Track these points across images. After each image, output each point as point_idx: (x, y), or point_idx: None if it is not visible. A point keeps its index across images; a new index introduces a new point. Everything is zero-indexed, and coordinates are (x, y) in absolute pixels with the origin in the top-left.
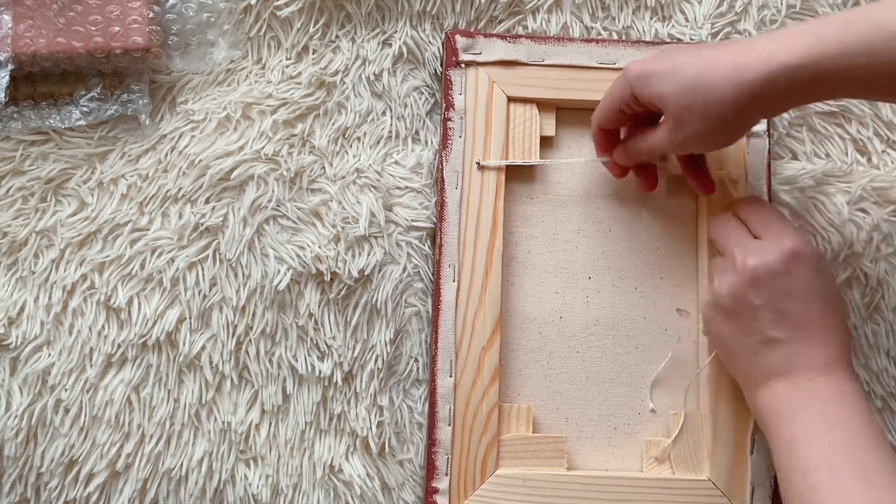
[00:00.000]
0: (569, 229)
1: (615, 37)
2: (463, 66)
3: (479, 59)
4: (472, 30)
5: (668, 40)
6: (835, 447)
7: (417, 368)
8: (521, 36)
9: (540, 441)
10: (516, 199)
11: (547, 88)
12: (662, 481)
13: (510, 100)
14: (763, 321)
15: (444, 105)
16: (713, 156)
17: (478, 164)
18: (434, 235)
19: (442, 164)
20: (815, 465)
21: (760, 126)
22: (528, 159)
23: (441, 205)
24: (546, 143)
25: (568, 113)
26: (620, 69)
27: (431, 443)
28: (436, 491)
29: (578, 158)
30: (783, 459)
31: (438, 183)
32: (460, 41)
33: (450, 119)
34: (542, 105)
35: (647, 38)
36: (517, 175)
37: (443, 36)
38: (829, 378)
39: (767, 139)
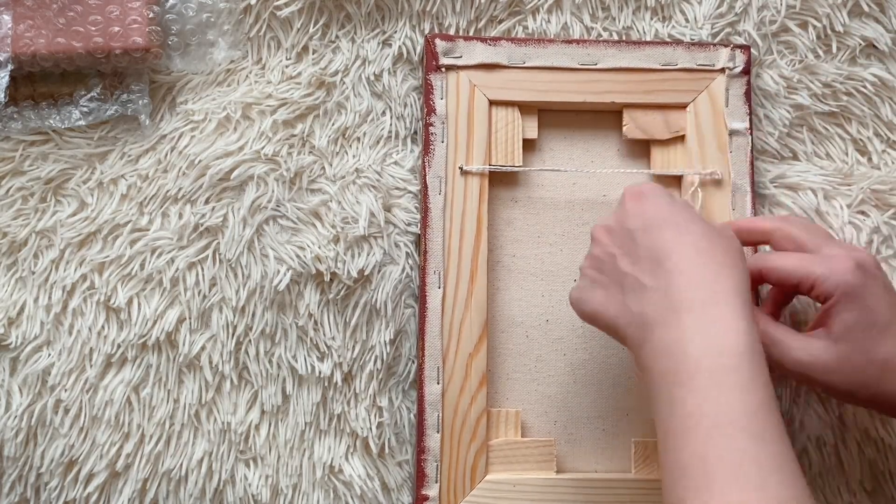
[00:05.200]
0: (553, 232)
1: (615, 37)
2: (443, 70)
3: (460, 62)
4: (471, 30)
5: (667, 40)
6: (708, 434)
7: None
8: (501, 38)
9: (529, 445)
10: (500, 202)
11: (528, 91)
12: (652, 482)
13: (492, 103)
14: (633, 268)
15: (425, 110)
16: (696, 155)
17: (461, 169)
18: (419, 241)
19: (425, 170)
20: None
21: (742, 123)
22: (511, 162)
23: (425, 211)
24: (529, 145)
25: (550, 115)
26: (602, 70)
27: (420, 450)
28: (426, 498)
29: (566, 169)
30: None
31: (422, 189)
32: (440, 45)
33: (431, 124)
34: (524, 108)
35: (648, 38)
36: (500, 179)
37: None
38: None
39: (750, 137)
